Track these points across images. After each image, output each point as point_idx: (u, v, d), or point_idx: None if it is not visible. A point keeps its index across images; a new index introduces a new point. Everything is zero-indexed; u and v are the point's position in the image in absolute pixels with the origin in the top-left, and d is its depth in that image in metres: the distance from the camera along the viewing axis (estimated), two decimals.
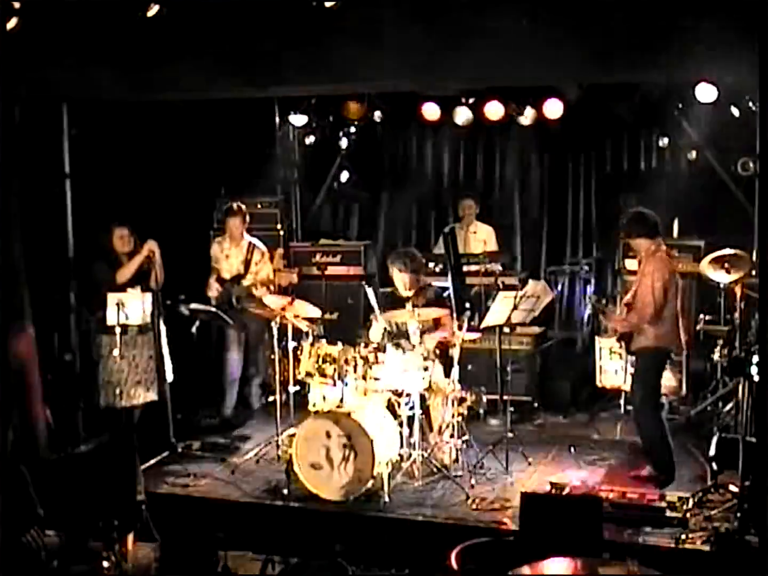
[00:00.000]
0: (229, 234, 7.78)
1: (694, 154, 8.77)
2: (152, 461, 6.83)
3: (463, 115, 8.69)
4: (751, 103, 7.47)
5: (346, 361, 6.40)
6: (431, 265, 8.39)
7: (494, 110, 8.52)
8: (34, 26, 6.26)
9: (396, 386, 6.44)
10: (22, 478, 5.24)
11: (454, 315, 6.81)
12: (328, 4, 5.81)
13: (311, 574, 5.21)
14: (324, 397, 6.59)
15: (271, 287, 7.67)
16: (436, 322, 6.81)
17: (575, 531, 4.77)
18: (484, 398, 6.95)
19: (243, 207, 7.78)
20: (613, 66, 5.76)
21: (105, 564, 4.91)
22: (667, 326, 6.19)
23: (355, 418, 6.07)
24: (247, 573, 5.31)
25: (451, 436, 6.54)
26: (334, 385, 6.42)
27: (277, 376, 6.95)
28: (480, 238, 8.80)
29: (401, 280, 6.86)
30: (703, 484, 6.09)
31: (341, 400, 6.30)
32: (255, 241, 7.87)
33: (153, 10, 6.01)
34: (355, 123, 9.42)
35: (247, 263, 7.72)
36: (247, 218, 7.83)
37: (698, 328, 7.49)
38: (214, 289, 7.70)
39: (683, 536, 5.35)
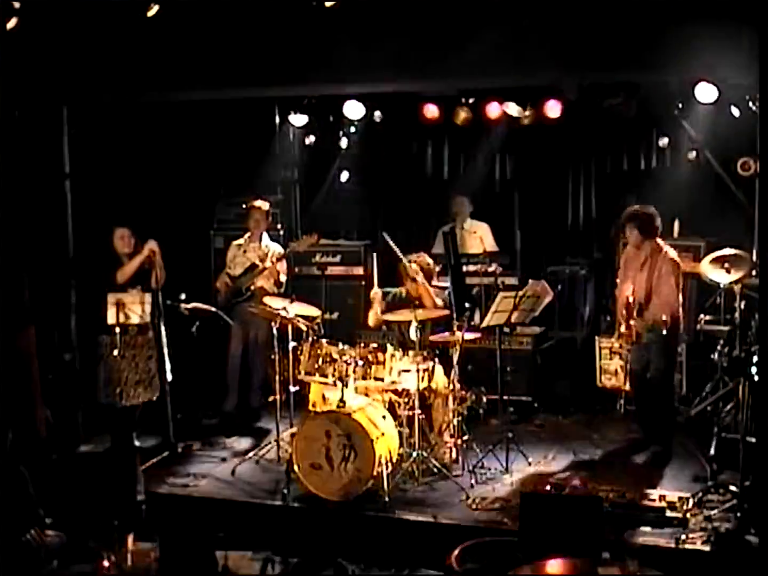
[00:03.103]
0: (250, 230, 7.88)
1: (694, 154, 8.76)
2: (152, 461, 6.83)
3: (463, 115, 8.69)
4: (751, 103, 7.47)
5: (346, 362, 6.41)
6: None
7: (494, 110, 8.52)
8: (34, 26, 6.26)
9: (396, 386, 6.45)
10: (22, 478, 5.24)
11: (454, 315, 6.81)
12: (328, 4, 5.81)
13: (311, 574, 5.22)
14: (324, 397, 6.59)
15: (281, 287, 7.75)
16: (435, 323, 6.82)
17: (575, 531, 4.77)
18: (484, 398, 6.96)
19: (265, 205, 7.89)
20: (612, 66, 5.76)
21: (105, 564, 4.90)
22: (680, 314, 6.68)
23: (355, 418, 6.07)
24: (247, 573, 5.30)
25: (451, 436, 6.54)
26: (334, 385, 6.42)
27: (277, 376, 6.95)
28: (477, 235, 8.81)
29: (411, 286, 6.94)
30: (703, 484, 6.09)
31: (341, 400, 6.30)
32: (273, 243, 7.96)
33: (153, 10, 6.01)
34: (355, 123, 9.42)
35: (263, 258, 7.78)
36: (269, 217, 7.92)
37: (698, 328, 7.49)
38: (223, 283, 7.75)
39: (683, 536, 5.35)
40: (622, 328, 6.74)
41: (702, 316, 7.50)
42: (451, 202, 9.13)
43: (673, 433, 6.81)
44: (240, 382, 7.87)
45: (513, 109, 8.49)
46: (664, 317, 6.38)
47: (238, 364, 7.82)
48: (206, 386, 8.02)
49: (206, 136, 8.53)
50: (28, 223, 6.77)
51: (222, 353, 7.84)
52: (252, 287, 7.72)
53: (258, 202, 7.89)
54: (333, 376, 6.44)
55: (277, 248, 7.88)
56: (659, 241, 6.68)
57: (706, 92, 7.46)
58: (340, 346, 6.53)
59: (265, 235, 7.92)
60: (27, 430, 6.39)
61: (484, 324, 6.79)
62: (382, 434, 6.15)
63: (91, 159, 7.55)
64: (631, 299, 6.61)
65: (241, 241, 7.93)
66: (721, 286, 7.26)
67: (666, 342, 6.63)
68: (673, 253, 6.66)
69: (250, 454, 6.93)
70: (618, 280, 6.98)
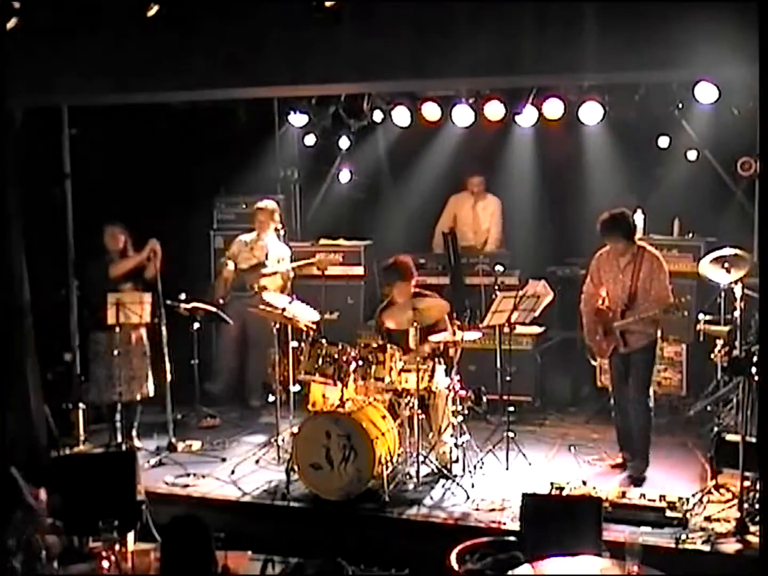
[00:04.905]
0: (258, 229, 7.98)
1: (694, 154, 8.76)
2: (152, 461, 6.83)
3: (463, 115, 8.68)
4: (751, 103, 7.46)
5: (346, 361, 6.41)
6: (431, 265, 8.40)
7: (494, 110, 8.51)
8: (34, 27, 6.25)
9: (396, 386, 6.45)
10: (12, 480, 5.24)
11: (454, 315, 6.81)
12: (327, 4, 5.80)
13: (311, 574, 5.21)
14: (324, 397, 6.59)
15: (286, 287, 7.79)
16: (435, 324, 6.80)
17: (575, 531, 4.77)
18: (484, 398, 6.95)
19: (271, 204, 7.96)
20: (612, 66, 5.75)
21: (105, 564, 4.89)
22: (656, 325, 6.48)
23: (355, 418, 6.07)
24: (247, 573, 5.30)
25: (451, 436, 6.54)
26: (334, 385, 6.42)
27: (277, 376, 6.96)
28: (489, 210, 9.08)
29: (394, 292, 6.90)
30: (703, 484, 6.10)
31: (341, 400, 6.30)
32: (281, 246, 8.03)
33: (153, 11, 5.99)
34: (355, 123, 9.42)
35: (268, 256, 7.81)
36: (276, 216, 7.97)
37: (698, 328, 7.48)
38: (228, 272, 7.80)
39: (683, 536, 5.35)
40: (591, 339, 6.61)
41: (702, 316, 7.49)
42: (468, 181, 9.17)
43: (647, 450, 6.52)
44: (231, 371, 7.94)
45: (513, 109, 8.47)
46: (656, 312, 6.28)
47: (230, 353, 7.89)
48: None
49: (206, 136, 8.53)
50: (28, 223, 6.77)
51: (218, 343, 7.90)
52: (256, 286, 7.76)
53: (263, 203, 7.96)
54: (333, 376, 6.44)
55: (284, 251, 7.93)
56: (639, 241, 6.53)
57: (706, 92, 7.46)
58: (340, 346, 6.54)
59: (272, 236, 7.95)
60: (27, 431, 6.39)
61: (484, 324, 6.80)
62: (382, 434, 6.15)
63: (92, 159, 7.56)
64: (604, 304, 6.42)
65: (247, 238, 8.00)
66: (721, 286, 7.26)
67: (644, 358, 6.46)
68: (655, 251, 6.49)
69: (250, 454, 6.93)
70: (587, 287, 6.69)
